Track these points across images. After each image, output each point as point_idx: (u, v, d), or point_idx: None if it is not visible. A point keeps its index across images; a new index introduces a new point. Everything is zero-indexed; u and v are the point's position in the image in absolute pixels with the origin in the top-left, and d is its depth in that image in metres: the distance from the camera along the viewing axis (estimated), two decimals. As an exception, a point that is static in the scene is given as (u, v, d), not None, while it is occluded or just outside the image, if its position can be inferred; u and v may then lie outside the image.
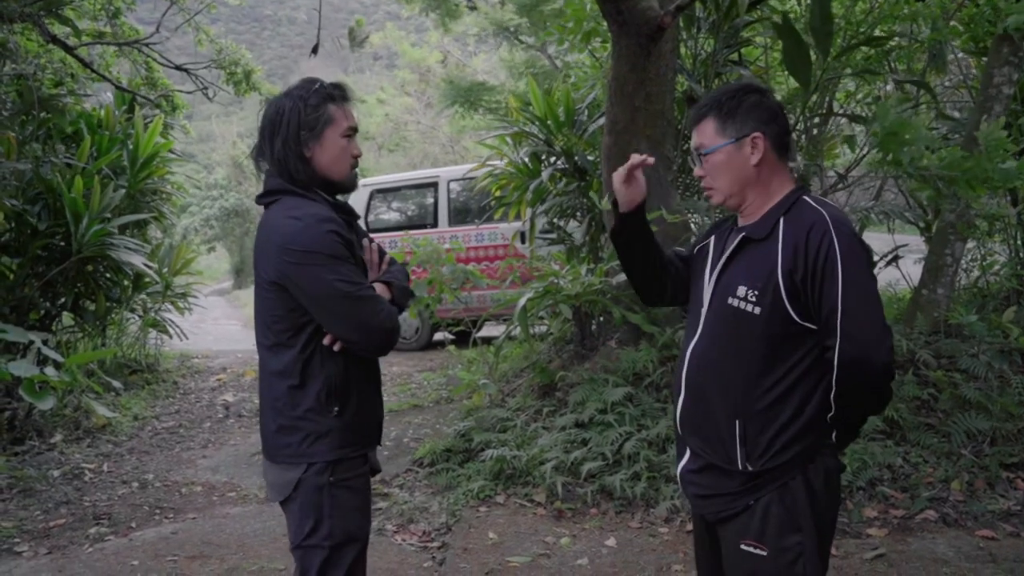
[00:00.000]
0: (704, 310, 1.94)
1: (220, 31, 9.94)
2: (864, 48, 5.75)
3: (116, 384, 6.09)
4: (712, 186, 1.92)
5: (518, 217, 6.96)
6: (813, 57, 5.21)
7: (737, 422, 1.83)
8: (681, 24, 5.92)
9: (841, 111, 6.18)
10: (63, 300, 7.16)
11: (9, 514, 4.35)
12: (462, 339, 8.44)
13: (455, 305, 6.73)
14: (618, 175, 2.01)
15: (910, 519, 3.84)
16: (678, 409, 1.99)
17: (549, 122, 6.38)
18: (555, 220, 6.55)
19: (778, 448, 1.80)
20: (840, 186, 6.01)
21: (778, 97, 6.22)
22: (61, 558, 3.80)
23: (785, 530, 1.79)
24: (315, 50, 5.20)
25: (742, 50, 6.20)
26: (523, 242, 7.38)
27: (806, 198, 1.85)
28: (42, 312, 6.96)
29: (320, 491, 2.00)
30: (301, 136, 2.02)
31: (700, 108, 1.92)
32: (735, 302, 1.83)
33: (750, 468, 1.82)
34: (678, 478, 2.05)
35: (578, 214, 6.51)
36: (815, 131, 6.26)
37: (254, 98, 9.83)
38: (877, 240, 6.07)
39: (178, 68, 7.68)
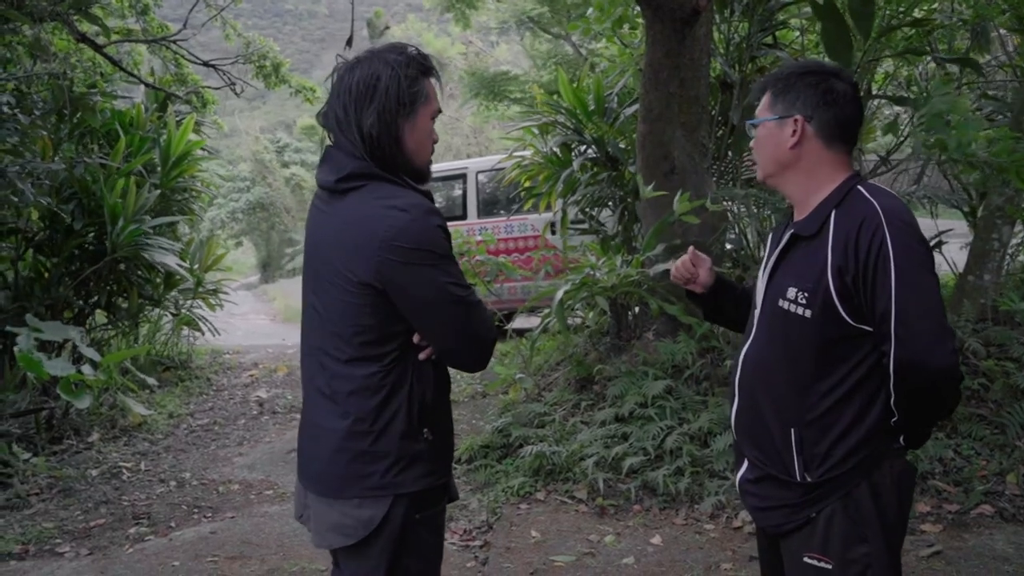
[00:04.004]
0: (757, 312, 1.85)
1: (242, 26, 9.90)
2: (905, 28, 5.59)
3: (151, 381, 6.11)
4: (755, 159, 1.86)
5: (548, 208, 6.87)
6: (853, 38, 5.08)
7: (792, 431, 1.73)
8: (714, 7, 5.81)
9: (881, 93, 6.02)
10: (96, 298, 7.20)
11: (50, 514, 4.35)
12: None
13: (487, 297, 6.67)
14: (678, 277, 2.09)
15: (965, 514, 3.72)
16: (733, 415, 1.91)
17: (578, 111, 6.29)
18: (587, 210, 6.45)
19: (839, 457, 1.69)
20: (881, 170, 5.86)
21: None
22: (103, 559, 3.79)
23: (851, 541, 1.69)
24: (349, 42, 5.13)
25: (777, 33, 6.06)
26: (553, 233, 7.29)
27: (860, 188, 1.72)
28: (76, 310, 7.00)
29: (404, 530, 1.72)
30: (399, 112, 1.71)
31: (763, 80, 1.86)
32: (785, 304, 1.73)
33: (809, 479, 1.72)
34: (737, 487, 1.97)
35: (610, 203, 6.41)
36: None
37: (278, 93, 9.83)
38: (919, 225, 5.92)
39: (205, 64, 7.65)
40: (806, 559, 1.74)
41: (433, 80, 1.80)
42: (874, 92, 6.10)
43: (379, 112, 1.69)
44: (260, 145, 28.44)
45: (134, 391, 6.11)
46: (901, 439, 1.73)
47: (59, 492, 4.62)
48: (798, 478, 1.73)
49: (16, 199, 4.44)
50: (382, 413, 1.70)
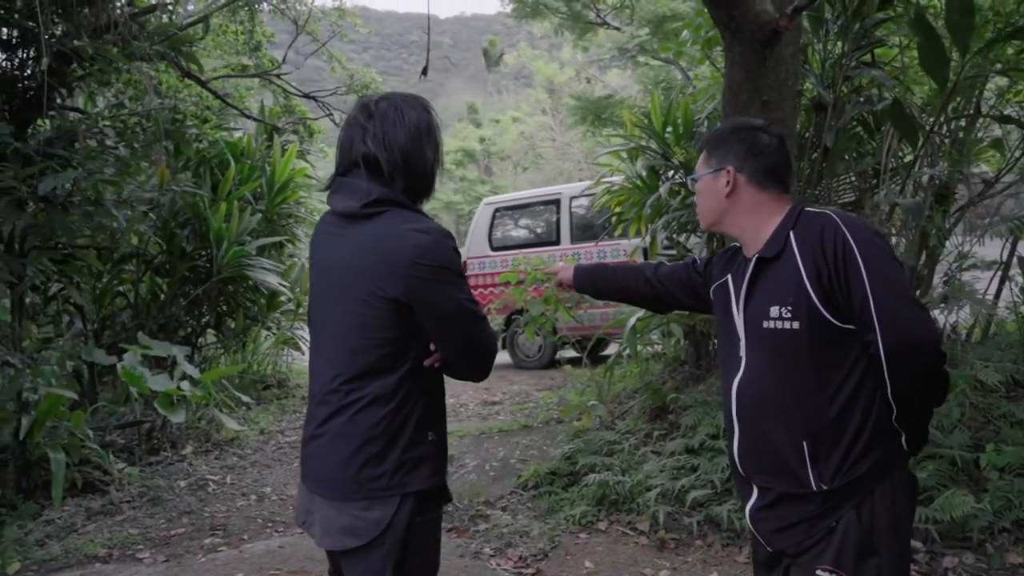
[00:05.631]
0: (742, 343, 1.89)
1: (370, 58, 10.36)
2: (1016, 41, 5.22)
3: (246, 399, 6.41)
4: (698, 211, 2.06)
5: (639, 233, 6.80)
6: (953, 54, 4.79)
7: (805, 443, 1.77)
8: (808, 27, 5.62)
9: (990, 112, 5.63)
10: (207, 318, 7.65)
11: (137, 521, 4.61)
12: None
13: (568, 324, 6.64)
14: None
15: (1063, 568, 3.39)
16: (735, 448, 1.92)
17: (668, 135, 6.20)
18: (674, 235, 6.33)
19: (853, 461, 1.74)
20: (989, 193, 5.48)
21: (905, 103, 5.75)
22: (176, 566, 3.98)
23: (864, 553, 1.73)
24: (425, 71, 5.26)
25: (876, 51, 5.79)
26: (644, 258, 7.19)
27: (808, 209, 1.87)
28: (188, 329, 7.44)
29: (407, 532, 1.82)
30: (442, 152, 1.99)
31: (702, 140, 2.10)
32: (771, 324, 1.80)
33: (824, 487, 1.76)
34: (747, 519, 1.95)
35: (698, 229, 6.27)
36: (960, 134, 5.75)
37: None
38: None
39: (305, 96, 8.03)
40: (819, 572, 1.77)
41: None
42: (983, 111, 5.72)
43: (435, 150, 1.95)
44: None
45: (231, 408, 6.41)
46: (903, 442, 1.79)
47: (148, 501, 4.90)
48: (814, 487, 1.76)
49: (115, 225, 4.78)
50: (395, 420, 1.82)
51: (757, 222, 1.91)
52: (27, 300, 5.57)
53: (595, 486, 4.32)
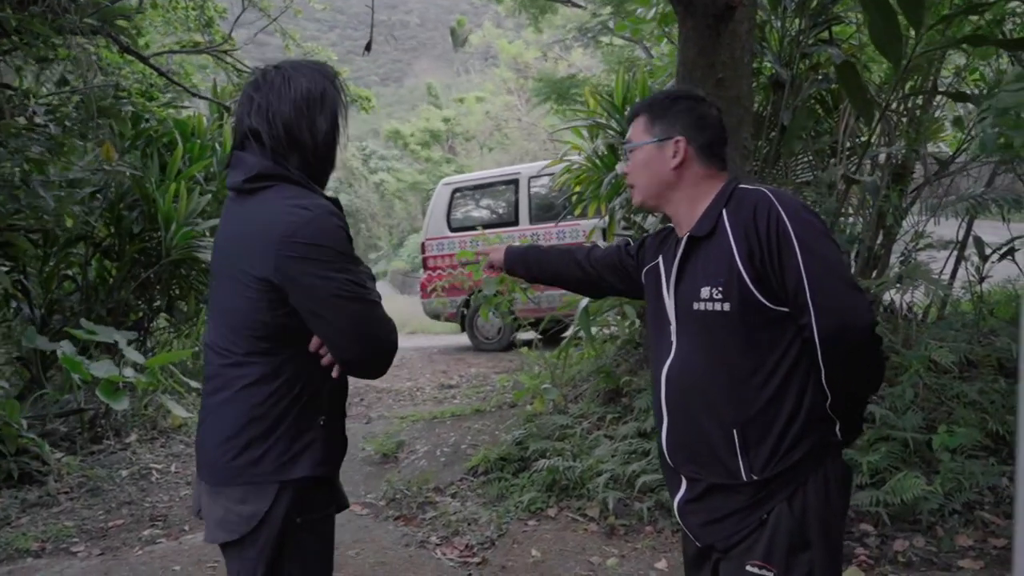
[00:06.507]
0: (673, 327, 1.79)
1: (336, 37, 10.11)
2: (972, 17, 5.17)
3: (196, 384, 6.23)
4: (634, 183, 1.89)
5: (599, 213, 6.70)
6: (910, 31, 4.73)
7: (735, 431, 1.68)
8: (766, 3, 5.54)
9: (945, 89, 5.59)
10: (158, 302, 7.44)
11: (74, 513, 4.45)
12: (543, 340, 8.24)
13: (525, 305, 6.54)
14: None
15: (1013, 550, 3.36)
16: (663, 437, 1.82)
17: (627, 112, 6.11)
18: (629, 215, 6.24)
19: (784, 450, 1.66)
20: (945, 172, 5.45)
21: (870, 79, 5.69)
22: (111, 559, 3.84)
23: (796, 547, 1.65)
24: (368, 47, 5.10)
25: (834, 28, 5.73)
26: (604, 239, 7.10)
27: (742, 185, 1.76)
28: (139, 313, 7.23)
29: (284, 531, 1.70)
30: (343, 122, 1.84)
31: (635, 106, 1.90)
32: (701, 306, 1.71)
33: (755, 477, 1.67)
34: (676, 512, 1.86)
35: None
36: (917, 112, 5.71)
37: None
38: (991, 231, 5.48)
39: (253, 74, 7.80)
40: (748, 567, 1.68)
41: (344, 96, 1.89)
42: (942, 88, 5.68)
43: (331, 120, 1.80)
44: (347, 152, 29.20)
45: (181, 394, 6.24)
46: (838, 431, 1.71)
47: (87, 492, 4.73)
48: (744, 478, 1.68)
49: (42, 205, 4.57)
50: (280, 401, 1.71)
51: (694, 199, 1.81)
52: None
53: (545, 472, 4.24)
